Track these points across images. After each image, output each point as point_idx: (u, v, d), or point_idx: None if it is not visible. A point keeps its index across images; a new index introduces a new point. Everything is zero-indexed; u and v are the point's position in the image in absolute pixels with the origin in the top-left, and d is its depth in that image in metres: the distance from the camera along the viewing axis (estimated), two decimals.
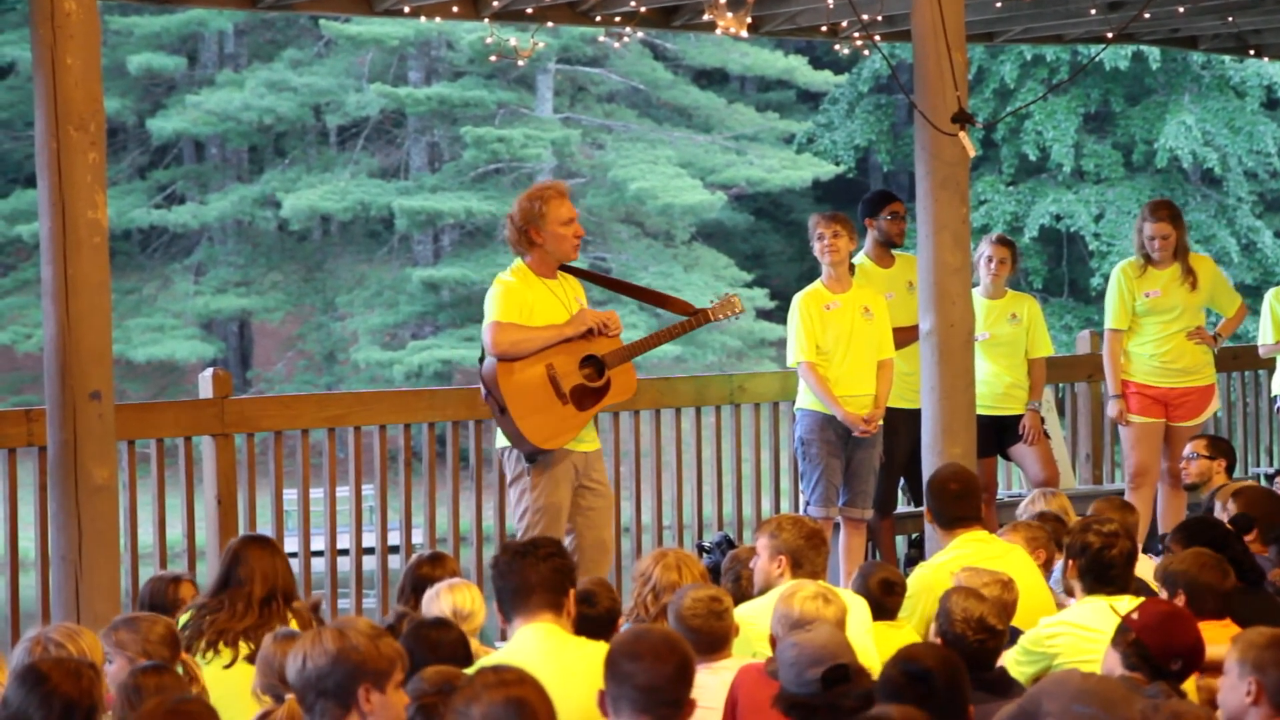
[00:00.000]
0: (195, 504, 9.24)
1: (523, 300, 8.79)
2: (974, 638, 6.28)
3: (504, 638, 6.21)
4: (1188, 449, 10.14)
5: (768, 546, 7.25)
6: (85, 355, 7.56)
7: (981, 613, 6.36)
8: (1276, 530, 8.28)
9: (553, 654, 5.83)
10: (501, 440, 8.94)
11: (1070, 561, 6.98)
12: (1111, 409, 11.04)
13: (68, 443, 7.56)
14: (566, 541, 8.77)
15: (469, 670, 5.41)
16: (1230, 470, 9.98)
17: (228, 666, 6.58)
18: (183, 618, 6.75)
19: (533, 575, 5.97)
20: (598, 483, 8.95)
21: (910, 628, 7.38)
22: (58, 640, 5.75)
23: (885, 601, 7.21)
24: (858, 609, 6.98)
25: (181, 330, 35.39)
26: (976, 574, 7.04)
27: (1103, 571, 6.84)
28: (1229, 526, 7.93)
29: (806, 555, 7.17)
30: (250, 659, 6.51)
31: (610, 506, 9.11)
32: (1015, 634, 6.94)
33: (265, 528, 9.66)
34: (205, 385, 9.31)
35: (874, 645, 6.83)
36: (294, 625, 6.61)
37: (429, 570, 7.28)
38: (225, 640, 6.60)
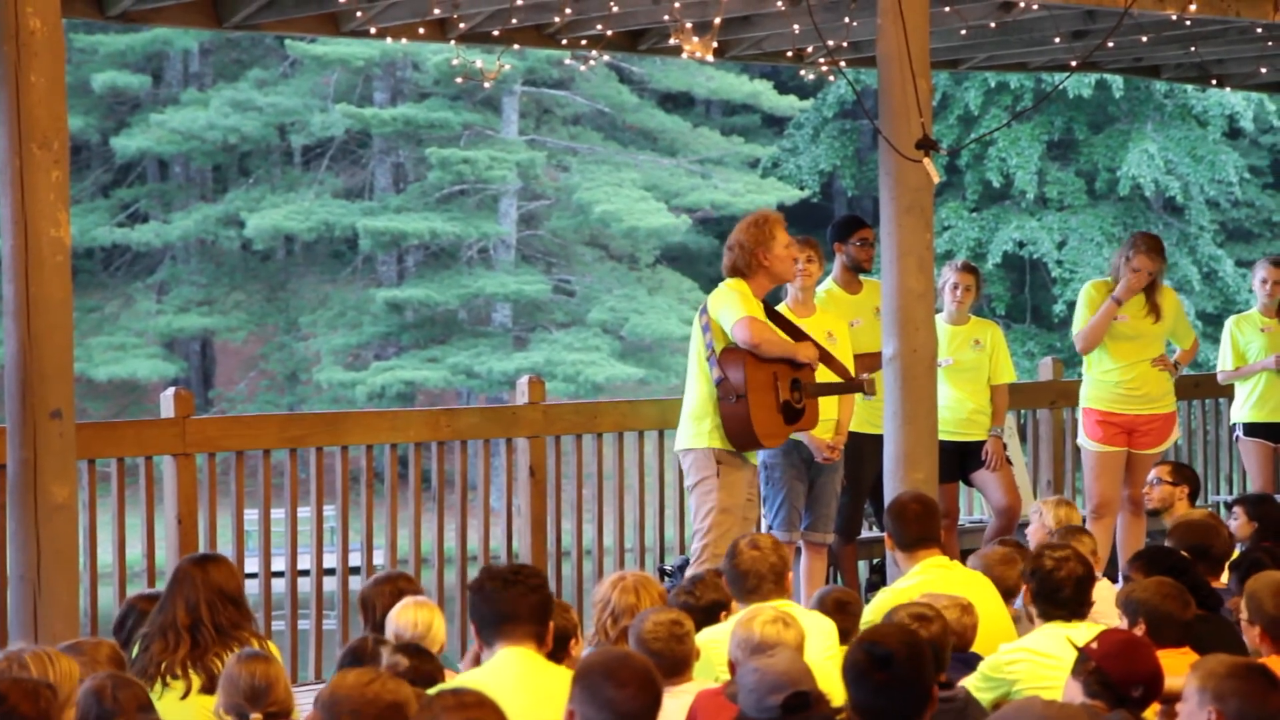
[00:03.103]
0: (155, 524, 9.20)
1: (757, 308, 9.42)
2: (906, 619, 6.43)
3: (477, 661, 6.18)
4: (1151, 474, 10.18)
5: None
6: (46, 374, 7.53)
7: (918, 609, 6.52)
8: (1220, 560, 8.32)
9: (528, 678, 5.81)
10: (690, 442, 9.47)
11: (1026, 587, 7.02)
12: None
13: (27, 461, 7.51)
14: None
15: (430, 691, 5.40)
16: (1194, 497, 10.01)
17: (183, 698, 6.55)
18: (134, 649, 6.73)
19: (521, 606, 5.93)
20: (755, 495, 9.70)
21: None
22: (25, 660, 5.71)
23: (840, 624, 7.22)
24: (823, 632, 6.99)
25: (143, 349, 35.27)
26: (935, 599, 7.08)
27: (1052, 594, 6.86)
28: (1185, 554, 7.96)
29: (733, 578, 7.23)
30: (204, 689, 6.51)
31: (756, 519, 9.76)
32: (975, 660, 6.97)
33: (226, 548, 9.60)
34: (167, 404, 9.28)
35: (836, 671, 6.84)
36: (254, 644, 6.62)
37: (410, 586, 7.30)
38: (169, 673, 6.57)
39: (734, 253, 9.51)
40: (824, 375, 9.79)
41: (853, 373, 10.07)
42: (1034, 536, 8.99)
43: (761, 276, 9.51)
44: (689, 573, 9.30)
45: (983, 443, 11.04)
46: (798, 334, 9.89)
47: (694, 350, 9.58)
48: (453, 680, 6.20)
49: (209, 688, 6.49)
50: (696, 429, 9.45)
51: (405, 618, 6.83)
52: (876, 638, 5.39)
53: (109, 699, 5.52)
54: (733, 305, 9.37)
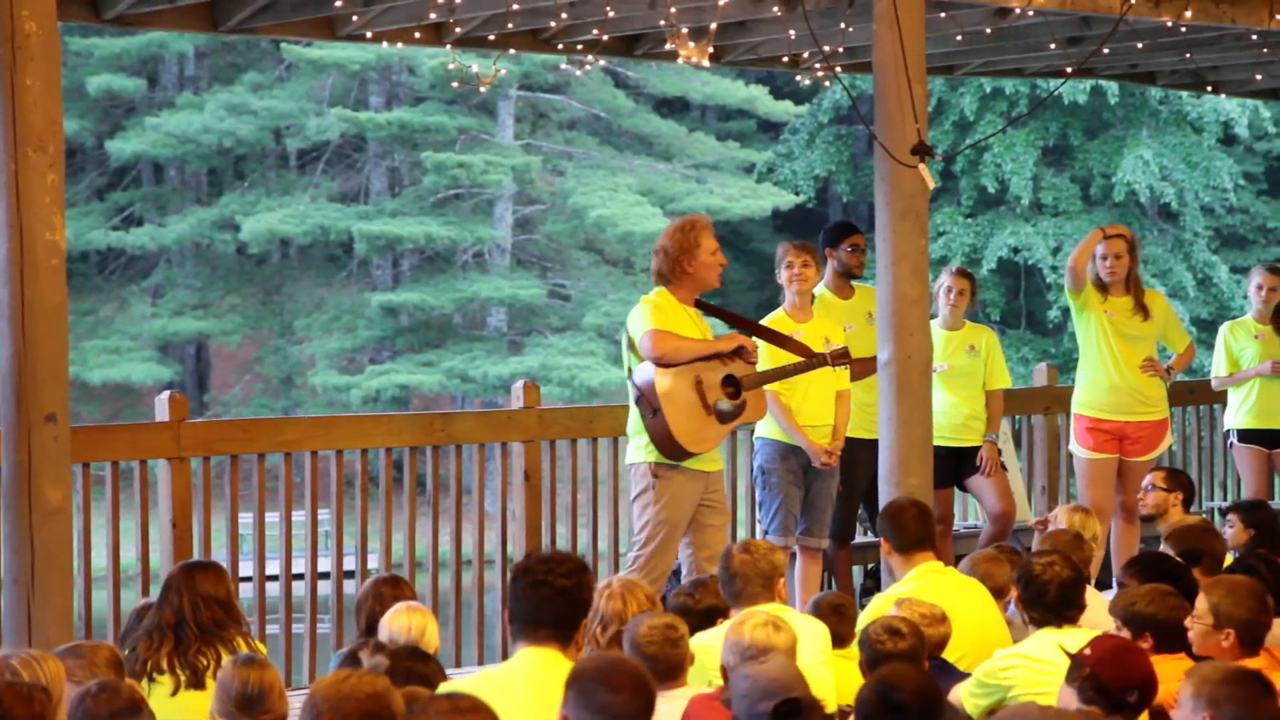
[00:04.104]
0: (150, 527, 9.19)
1: (672, 316, 9.38)
2: (875, 639, 6.51)
3: (504, 653, 6.20)
4: (1146, 480, 10.16)
5: None
6: (41, 377, 7.52)
7: (890, 622, 6.57)
8: (1216, 565, 8.31)
9: (544, 681, 5.78)
10: (632, 456, 9.45)
11: (1017, 592, 7.05)
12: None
13: (22, 465, 7.51)
14: (684, 555, 9.44)
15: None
16: (1188, 504, 9.99)
17: (173, 694, 6.67)
18: (126, 651, 6.79)
19: (545, 610, 5.88)
20: (718, 502, 9.52)
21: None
22: (15, 667, 5.73)
23: (836, 629, 7.24)
24: (815, 636, 6.99)
25: (138, 352, 35.25)
26: (913, 606, 7.09)
27: (1037, 597, 6.89)
28: (1179, 560, 7.97)
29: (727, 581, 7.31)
30: (191, 684, 6.64)
31: (727, 523, 9.71)
32: (949, 667, 7.00)
33: (220, 552, 9.61)
34: (161, 408, 9.28)
35: (830, 674, 6.85)
36: (241, 645, 6.68)
37: (390, 590, 7.31)
38: (154, 670, 6.68)
39: (659, 258, 9.51)
40: (783, 358, 9.78)
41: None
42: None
43: (687, 283, 9.45)
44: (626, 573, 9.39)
45: (978, 448, 11.04)
46: (743, 323, 9.90)
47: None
48: (471, 676, 6.22)
49: (195, 682, 6.59)
50: (634, 444, 9.46)
51: (399, 623, 6.86)
52: (894, 680, 5.38)
53: (91, 704, 5.54)
54: (642, 319, 9.36)
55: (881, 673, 5.49)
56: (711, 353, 9.38)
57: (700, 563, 9.35)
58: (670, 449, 9.29)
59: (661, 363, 9.27)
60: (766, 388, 10.04)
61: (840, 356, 9.81)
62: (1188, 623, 6.66)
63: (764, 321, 10.18)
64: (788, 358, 9.87)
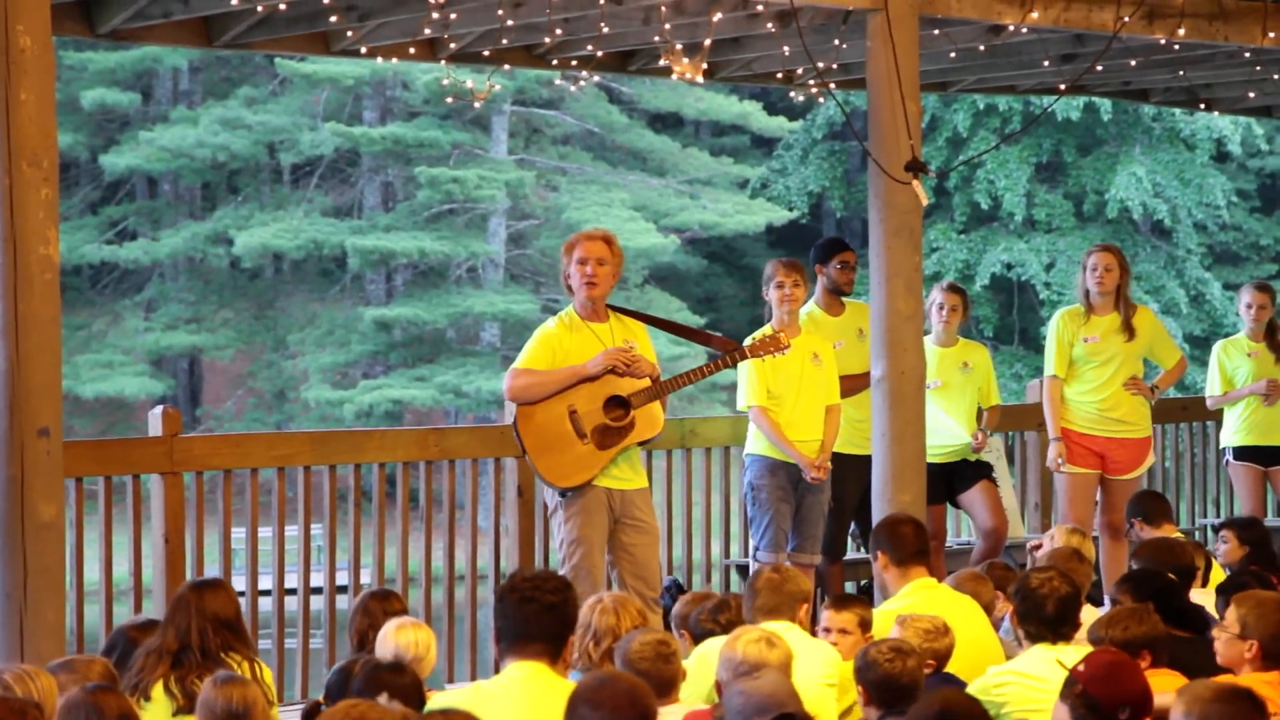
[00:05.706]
0: (143, 542, 9.19)
1: (555, 346, 9.15)
2: (884, 660, 6.43)
3: (496, 669, 6.18)
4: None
5: None
6: (34, 391, 7.52)
7: (895, 641, 6.56)
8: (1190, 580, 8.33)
9: (535, 696, 5.79)
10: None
11: (1012, 608, 7.05)
12: (1050, 453, 11.13)
13: (15, 479, 7.50)
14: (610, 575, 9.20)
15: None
16: (1151, 518, 9.85)
17: (175, 714, 6.62)
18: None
19: (534, 625, 5.89)
20: (639, 520, 9.22)
21: None
22: (7, 682, 5.72)
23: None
24: (822, 657, 7.00)
25: (131, 367, 35.23)
26: (915, 620, 7.09)
27: (1033, 611, 6.89)
28: (1171, 576, 7.98)
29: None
30: (184, 710, 6.60)
31: (654, 542, 9.32)
32: (952, 679, 6.98)
33: (213, 567, 9.60)
34: (154, 423, 9.27)
35: (834, 697, 6.87)
36: (245, 668, 6.66)
37: (380, 606, 7.30)
38: (143, 695, 6.63)
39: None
40: (764, 371, 9.66)
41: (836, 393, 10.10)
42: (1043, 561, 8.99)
43: (576, 298, 9.35)
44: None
45: (969, 463, 11.03)
46: (662, 324, 9.98)
47: None
48: (463, 689, 6.22)
49: (188, 709, 6.55)
50: None
51: (405, 638, 6.80)
52: (955, 707, 5.40)
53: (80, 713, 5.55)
54: (518, 356, 9.25)
55: (944, 696, 5.50)
56: (577, 379, 9.07)
57: (629, 586, 9.12)
58: (549, 484, 9.16)
59: (520, 401, 9.12)
60: (754, 403, 10.03)
61: (767, 345, 9.58)
62: (1215, 632, 6.70)
63: (750, 338, 10.14)
64: (775, 370, 9.84)
